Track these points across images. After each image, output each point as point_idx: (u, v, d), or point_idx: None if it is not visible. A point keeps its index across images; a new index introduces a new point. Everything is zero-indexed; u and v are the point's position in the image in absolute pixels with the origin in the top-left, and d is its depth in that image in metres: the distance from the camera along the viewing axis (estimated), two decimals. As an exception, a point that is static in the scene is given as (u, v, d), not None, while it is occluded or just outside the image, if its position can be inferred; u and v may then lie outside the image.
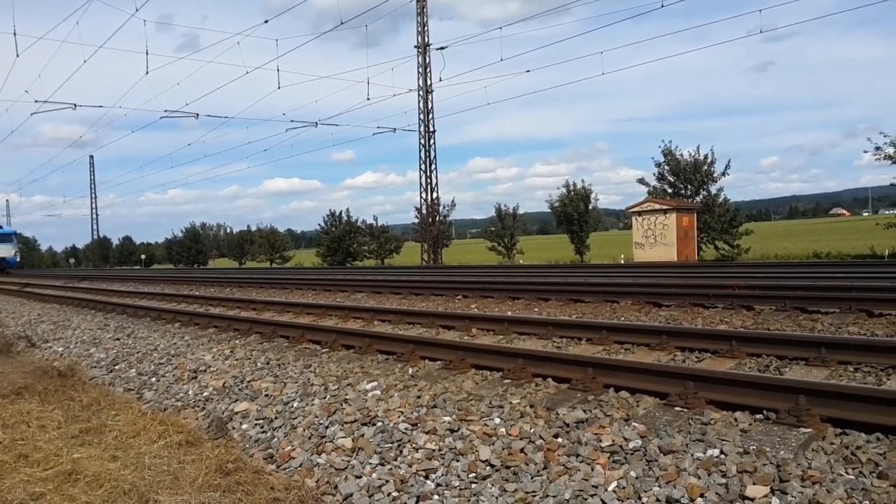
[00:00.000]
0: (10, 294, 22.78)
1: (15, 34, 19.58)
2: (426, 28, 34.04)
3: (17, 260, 55.04)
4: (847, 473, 3.11)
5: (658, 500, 3.09)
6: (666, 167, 30.38)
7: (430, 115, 35.06)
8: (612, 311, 8.77)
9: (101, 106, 31.55)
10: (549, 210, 40.09)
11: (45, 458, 4.54)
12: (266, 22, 19.83)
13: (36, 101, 24.63)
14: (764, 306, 8.15)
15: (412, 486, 3.67)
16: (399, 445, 4.14)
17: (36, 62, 24.80)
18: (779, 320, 7.24)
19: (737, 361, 5.36)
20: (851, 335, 6.24)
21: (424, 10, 33.85)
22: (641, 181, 31.69)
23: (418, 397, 4.86)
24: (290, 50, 77.35)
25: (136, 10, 16.63)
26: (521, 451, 3.74)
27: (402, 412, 4.59)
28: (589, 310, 8.96)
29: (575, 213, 36.66)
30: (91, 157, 72.16)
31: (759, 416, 3.89)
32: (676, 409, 4.13)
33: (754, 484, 3.06)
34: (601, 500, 3.18)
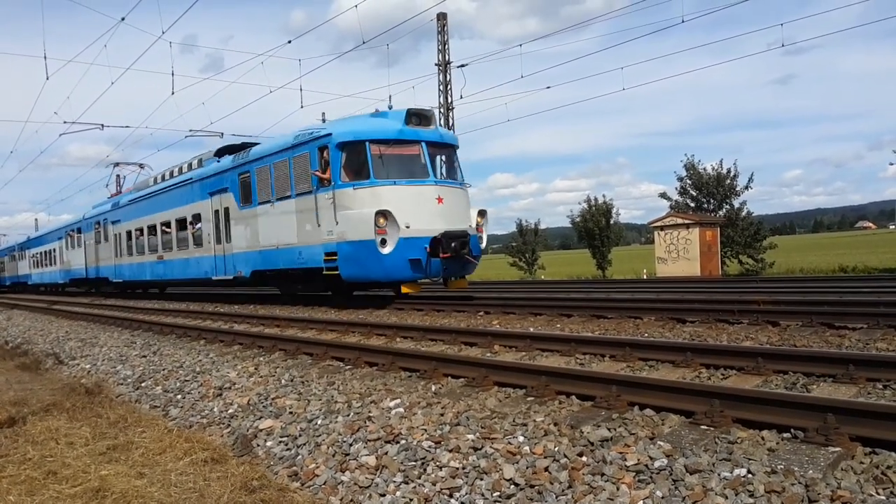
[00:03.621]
0: (38, 311, 23.15)
1: (45, 58, 19.99)
2: (447, 46, 34.29)
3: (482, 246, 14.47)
4: (878, 494, 3.06)
5: (685, 520, 3.06)
6: (688, 181, 30.26)
7: (452, 132, 35.22)
8: (635, 327, 8.71)
9: (127, 126, 32.03)
10: (570, 225, 39.98)
11: (74, 475, 4.61)
12: (289, 42, 20.03)
13: (64, 122, 25.05)
14: (790, 322, 8.04)
15: (436, 504, 3.67)
16: (423, 463, 4.14)
17: (65, 84, 25.28)
18: (805, 336, 7.15)
19: (763, 378, 5.30)
20: (880, 351, 6.14)
21: (445, 28, 34.13)
22: (663, 195, 31.56)
23: (441, 415, 4.87)
24: (312, 69, 78.41)
25: (163, 32, 16.96)
26: (546, 469, 3.73)
27: (425, 430, 4.59)
28: (612, 326, 8.91)
29: (596, 228, 36.53)
30: (118, 176, 73.09)
31: (786, 435, 3.84)
32: (702, 427, 4.09)
33: (783, 504, 3.03)
34: (627, 519, 3.15)
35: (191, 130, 26.81)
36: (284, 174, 15.00)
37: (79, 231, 31.29)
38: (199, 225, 19.51)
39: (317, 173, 13.69)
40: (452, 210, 13.65)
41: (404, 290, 13.36)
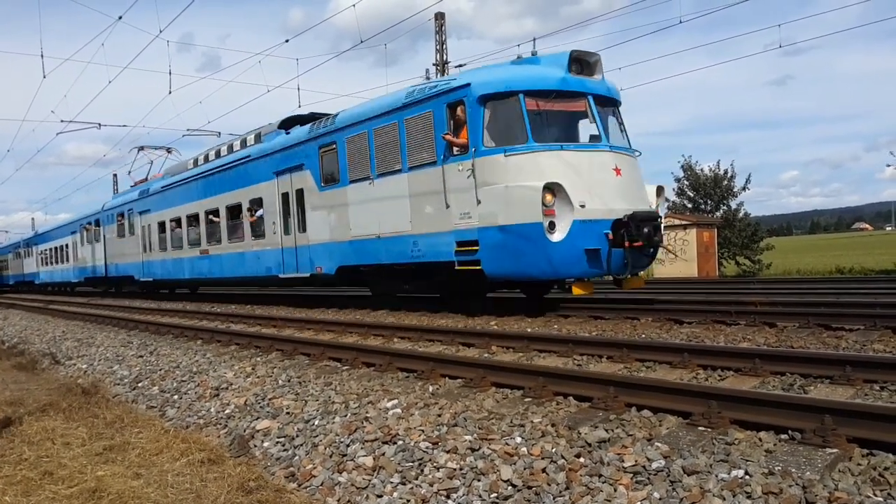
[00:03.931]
0: (35, 311, 23.10)
1: (42, 56, 20.00)
2: (444, 46, 34.29)
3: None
4: (875, 495, 3.06)
5: (682, 521, 3.05)
6: (685, 182, 30.33)
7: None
8: (632, 328, 8.71)
9: (124, 125, 32.08)
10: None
11: (70, 476, 4.60)
12: (287, 41, 20.08)
13: (62, 121, 25.15)
14: (787, 323, 8.05)
15: (434, 505, 3.67)
16: (420, 464, 4.13)
17: (62, 83, 25.26)
18: (802, 337, 7.16)
19: (760, 380, 5.30)
20: (877, 353, 6.15)
21: (443, 28, 34.13)
22: (661, 196, 31.59)
23: (439, 415, 4.86)
24: (310, 69, 78.29)
25: (160, 31, 16.92)
26: (543, 470, 3.72)
27: (422, 431, 4.58)
28: (609, 327, 8.90)
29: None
30: (115, 175, 72.78)
31: (783, 436, 3.84)
32: (700, 428, 4.09)
33: (780, 506, 3.03)
34: (624, 521, 3.14)
35: (188, 129, 26.76)
36: (392, 142, 11.56)
37: (97, 224, 27.75)
38: (259, 212, 15.97)
39: (449, 137, 10.34)
40: (631, 185, 10.31)
41: (576, 291, 9.91)
